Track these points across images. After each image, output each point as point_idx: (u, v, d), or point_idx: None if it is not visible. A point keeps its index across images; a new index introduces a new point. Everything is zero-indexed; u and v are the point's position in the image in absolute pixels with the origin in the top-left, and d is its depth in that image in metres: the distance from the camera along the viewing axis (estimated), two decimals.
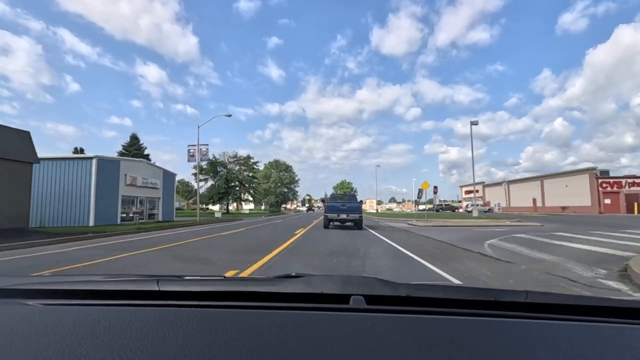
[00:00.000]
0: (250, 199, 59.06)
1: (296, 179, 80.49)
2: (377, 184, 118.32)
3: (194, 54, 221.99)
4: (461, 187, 73.98)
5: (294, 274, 1.03)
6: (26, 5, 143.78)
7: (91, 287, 0.95)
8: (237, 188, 49.71)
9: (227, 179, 47.17)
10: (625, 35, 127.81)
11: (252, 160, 51.45)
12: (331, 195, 18.38)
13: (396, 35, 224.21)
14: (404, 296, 0.81)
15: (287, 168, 78.79)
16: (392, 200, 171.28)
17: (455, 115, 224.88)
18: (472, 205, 55.89)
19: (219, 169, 48.26)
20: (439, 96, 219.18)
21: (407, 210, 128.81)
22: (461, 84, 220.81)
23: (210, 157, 39.06)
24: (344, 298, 0.82)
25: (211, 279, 1.05)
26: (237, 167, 51.04)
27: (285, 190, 76.14)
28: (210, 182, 48.38)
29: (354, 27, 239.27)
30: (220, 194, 46.97)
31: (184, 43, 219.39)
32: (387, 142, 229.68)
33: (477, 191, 66.71)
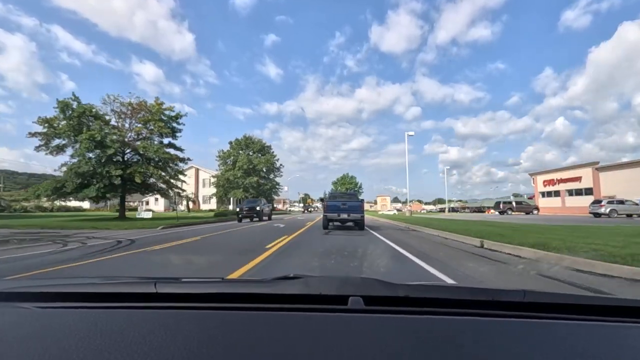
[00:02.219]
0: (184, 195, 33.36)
1: (277, 165, 54.29)
2: (401, 175, 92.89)
3: (190, 51, 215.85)
4: (533, 175, 47.80)
5: (292, 275, 1.02)
6: (18, 1, 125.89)
7: (88, 289, 0.95)
8: (134, 168, 23.32)
9: (103, 144, 21.29)
10: (629, 32, 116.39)
11: (168, 112, 25.22)
12: (330, 194, 17.66)
13: (396, 33, 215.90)
14: (402, 297, 0.82)
15: (264, 148, 52.64)
16: (396, 200, 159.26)
17: (455, 115, 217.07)
18: (610, 201, 30.32)
19: (90, 124, 22.35)
20: (439, 95, 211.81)
21: (422, 212, 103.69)
22: (461, 83, 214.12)
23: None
24: (342, 299, 0.81)
25: (209, 280, 1.05)
26: (137, 125, 25.05)
27: (260, 181, 49.90)
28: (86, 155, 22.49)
29: (353, 24, 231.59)
30: (84, 177, 21.19)
31: (180, 40, 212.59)
32: (387, 141, 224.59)
33: (577, 179, 41.08)
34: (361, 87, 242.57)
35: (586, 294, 0.97)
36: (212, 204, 55.66)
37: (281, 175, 54.99)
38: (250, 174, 49.62)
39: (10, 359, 0.54)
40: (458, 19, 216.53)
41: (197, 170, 57.36)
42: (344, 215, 13.69)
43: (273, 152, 53.30)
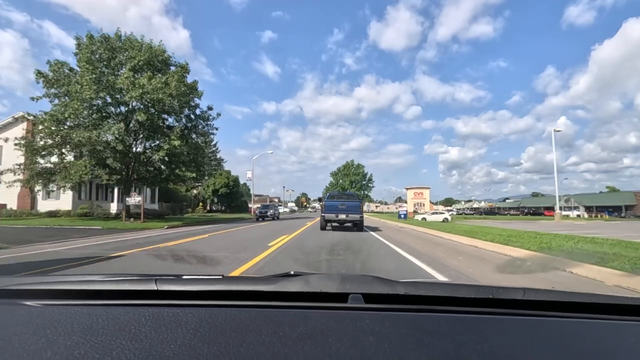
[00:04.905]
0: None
1: (206, 113, 23.49)
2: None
3: (185, 48, 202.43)
4: None
5: (292, 272, 1.04)
6: None
7: (89, 287, 0.97)
8: None
9: None
10: (634, 29, 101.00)
11: None
12: (329, 194, 17.38)
13: (395, 29, 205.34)
14: (402, 294, 0.82)
15: (165, 64, 21.68)
16: (399, 200, 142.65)
17: (455, 115, 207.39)
18: None
19: None
20: (440, 94, 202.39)
21: (449, 214, 74.21)
22: (462, 81, 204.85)
23: None
24: (343, 297, 0.83)
25: (210, 278, 1.06)
26: None
27: (152, 143, 19.00)
28: None
29: (352, 20, 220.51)
30: None
31: (175, 37, 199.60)
32: (387, 141, 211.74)
33: None
34: (360, 85, 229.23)
35: (584, 292, 0.86)
36: (66, 199, 25.33)
37: (214, 133, 24.31)
38: (116, 114, 19.00)
39: (12, 356, 0.54)
40: (459, 15, 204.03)
41: (30, 125, 26.58)
42: (342, 216, 13.52)
43: (197, 84, 22.59)
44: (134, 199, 19.69)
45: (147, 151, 20.37)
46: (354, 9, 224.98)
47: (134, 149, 20.95)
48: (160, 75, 20.26)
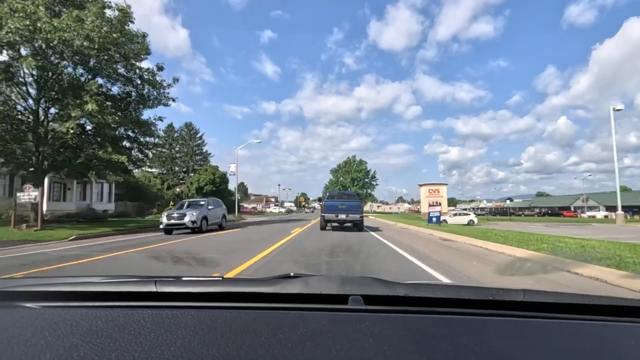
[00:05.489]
0: None
1: (151, 71, 16.27)
2: None
3: (185, 48, 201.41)
4: None
5: (292, 274, 1.03)
6: None
7: (89, 288, 0.97)
8: None
9: None
10: (635, 29, 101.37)
11: None
12: (329, 193, 17.70)
13: (395, 29, 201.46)
14: (402, 296, 0.82)
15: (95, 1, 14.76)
16: (400, 200, 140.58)
17: (456, 114, 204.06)
18: None
19: None
20: (440, 94, 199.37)
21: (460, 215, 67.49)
22: (462, 81, 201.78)
23: None
24: (343, 298, 0.83)
25: (209, 279, 1.07)
26: None
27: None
28: None
29: (351, 19, 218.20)
30: None
31: (174, 36, 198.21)
32: (387, 141, 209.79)
33: None
34: (360, 85, 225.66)
35: (585, 294, 0.87)
36: None
37: (168, 104, 17.40)
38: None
39: (12, 358, 0.54)
40: (459, 14, 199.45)
41: None
42: (342, 216, 13.19)
43: (146, 37, 15.81)
44: (28, 195, 12.88)
45: (52, 123, 13.55)
46: (353, 8, 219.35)
47: (44, 123, 14.16)
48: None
